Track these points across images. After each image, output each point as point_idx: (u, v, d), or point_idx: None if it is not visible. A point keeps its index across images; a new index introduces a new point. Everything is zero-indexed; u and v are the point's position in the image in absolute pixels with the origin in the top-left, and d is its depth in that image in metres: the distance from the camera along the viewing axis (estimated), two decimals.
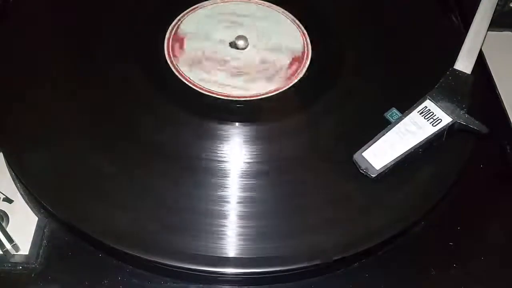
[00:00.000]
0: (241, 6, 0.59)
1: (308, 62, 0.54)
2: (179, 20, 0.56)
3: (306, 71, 0.53)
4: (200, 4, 0.58)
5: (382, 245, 0.44)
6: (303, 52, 0.55)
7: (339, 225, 0.43)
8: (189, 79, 0.51)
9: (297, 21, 0.58)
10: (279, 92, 0.51)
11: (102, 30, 0.55)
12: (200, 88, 0.51)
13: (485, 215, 0.48)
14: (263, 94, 0.51)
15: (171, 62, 0.52)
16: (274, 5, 0.59)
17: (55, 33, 0.55)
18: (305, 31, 0.57)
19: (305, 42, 0.56)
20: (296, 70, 0.53)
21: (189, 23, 0.56)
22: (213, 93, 0.51)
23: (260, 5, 0.59)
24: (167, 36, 0.55)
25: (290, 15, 0.58)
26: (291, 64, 0.54)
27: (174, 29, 0.55)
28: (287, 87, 0.52)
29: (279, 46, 0.55)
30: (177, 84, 0.51)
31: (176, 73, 0.52)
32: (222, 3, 0.58)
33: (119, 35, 0.55)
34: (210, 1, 0.58)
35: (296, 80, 0.52)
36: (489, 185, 0.50)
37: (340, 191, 0.45)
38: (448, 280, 0.44)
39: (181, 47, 0.53)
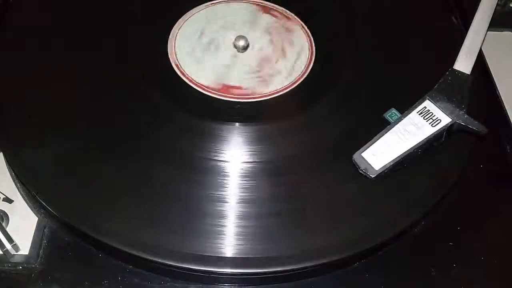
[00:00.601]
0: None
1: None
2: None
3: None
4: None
5: (382, 245, 0.44)
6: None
7: (339, 225, 0.43)
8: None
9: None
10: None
11: (102, 30, 0.55)
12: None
13: (485, 215, 0.48)
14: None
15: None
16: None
17: (55, 33, 0.55)
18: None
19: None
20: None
21: (193, 69, 0.53)
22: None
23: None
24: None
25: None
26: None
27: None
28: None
29: (264, 24, 0.56)
30: (177, 84, 0.51)
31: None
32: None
33: (120, 35, 0.55)
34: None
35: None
36: (489, 185, 0.50)
37: (340, 191, 0.45)
38: (448, 280, 0.44)
39: (236, 87, 0.52)
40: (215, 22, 0.57)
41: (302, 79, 0.53)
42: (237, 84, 0.52)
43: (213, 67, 0.53)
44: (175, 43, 0.55)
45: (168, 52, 0.54)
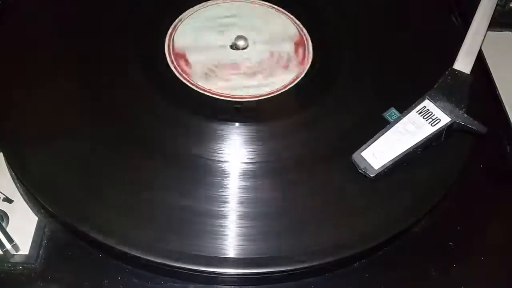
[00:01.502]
0: (223, 7, 0.58)
1: (310, 44, 0.55)
2: (170, 35, 0.55)
3: (313, 52, 0.55)
4: (184, 14, 0.57)
5: (382, 245, 0.44)
6: (300, 36, 0.56)
7: (339, 225, 0.43)
8: (205, 89, 0.51)
9: (289, 13, 0.58)
10: (279, 92, 0.52)
11: (102, 30, 0.55)
12: (223, 96, 0.51)
13: (485, 215, 0.48)
14: (286, 86, 0.52)
15: (185, 78, 0.52)
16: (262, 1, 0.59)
17: (55, 33, 0.55)
18: (296, 20, 0.58)
19: (298, 27, 0.57)
20: (304, 54, 0.54)
21: (181, 36, 0.55)
22: (213, 93, 0.51)
23: (242, 2, 0.59)
24: (166, 50, 0.54)
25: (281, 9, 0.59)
26: (296, 49, 0.55)
27: (171, 46, 0.54)
28: (305, 71, 0.53)
29: (276, 36, 0.56)
30: (177, 85, 0.51)
31: (191, 86, 0.52)
32: (204, 8, 0.58)
33: (120, 35, 0.55)
34: (193, 9, 0.58)
35: (309, 63, 0.54)
36: (489, 185, 0.50)
37: (340, 191, 0.45)
38: (448, 280, 0.44)
39: (186, 63, 0.53)
40: (206, 29, 0.57)
41: (307, 68, 0.53)
42: (190, 61, 0.52)
43: (197, 38, 0.54)
44: (175, 44, 0.55)
45: (167, 53, 0.54)
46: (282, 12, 0.58)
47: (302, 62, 0.54)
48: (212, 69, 0.53)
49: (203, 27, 0.56)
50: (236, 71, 0.53)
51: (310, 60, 0.54)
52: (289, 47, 0.55)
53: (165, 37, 0.55)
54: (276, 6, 0.59)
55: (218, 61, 0.54)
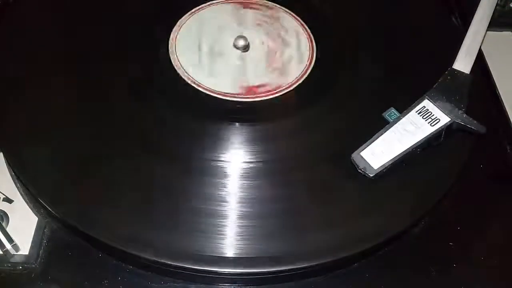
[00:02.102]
0: (185, 30, 0.57)
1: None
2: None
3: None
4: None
5: (382, 245, 0.44)
6: (267, 7, 0.57)
7: (339, 225, 0.43)
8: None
9: (276, 5, 0.58)
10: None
11: (103, 30, 0.55)
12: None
13: (485, 215, 0.48)
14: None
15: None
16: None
17: (55, 33, 0.55)
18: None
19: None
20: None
21: (210, 82, 0.52)
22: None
23: (226, 3, 0.59)
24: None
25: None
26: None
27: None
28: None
29: (250, 18, 0.57)
30: (177, 85, 0.51)
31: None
32: (178, 38, 0.56)
33: (120, 35, 0.55)
34: (171, 40, 0.56)
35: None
36: (489, 185, 0.50)
37: (340, 191, 0.45)
38: (448, 280, 0.44)
39: (260, 86, 0.51)
40: (204, 30, 0.56)
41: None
42: (258, 83, 0.51)
43: (227, 74, 0.52)
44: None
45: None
46: (289, 13, 0.58)
47: (270, 8, 0.55)
48: (273, 68, 0.53)
49: (210, 69, 0.53)
50: (279, 52, 0.54)
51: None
52: (250, 12, 0.56)
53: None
54: (283, 7, 0.59)
55: (263, 61, 0.53)
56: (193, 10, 0.58)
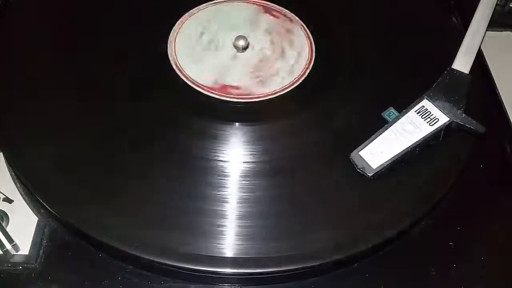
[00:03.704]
0: (193, 24, 0.57)
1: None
2: (174, 36, 0.55)
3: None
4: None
5: (382, 245, 0.44)
6: (286, 17, 0.57)
7: (339, 225, 0.43)
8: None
9: (297, 18, 0.58)
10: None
11: (103, 30, 0.55)
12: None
13: (485, 215, 0.48)
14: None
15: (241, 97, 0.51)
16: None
17: (55, 33, 0.55)
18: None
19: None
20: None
21: (194, 72, 0.53)
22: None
23: (250, 4, 0.59)
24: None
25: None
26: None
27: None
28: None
29: (265, 24, 0.56)
30: (177, 85, 0.51)
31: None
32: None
33: (120, 35, 0.55)
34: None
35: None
36: (489, 185, 0.50)
37: (340, 191, 0.45)
38: (448, 280, 0.44)
39: (233, 87, 0.51)
40: (216, 22, 0.57)
41: (301, 80, 0.53)
42: (235, 84, 0.52)
43: (212, 67, 0.53)
44: (175, 44, 0.55)
45: (168, 52, 0.54)
46: (286, 13, 0.58)
47: (289, 19, 0.55)
48: (256, 75, 0.52)
49: (200, 56, 0.54)
50: (271, 62, 0.54)
51: (310, 60, 0.54)
52: (268, 18, 0.56)
53: (168, 37, 0.55)
54: (279, 7, 0.59)
55: (250, 67, 0.53)
56: (216, 1, 0.58)
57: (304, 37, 0.56)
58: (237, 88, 0.51)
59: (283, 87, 0.52)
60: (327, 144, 0.48)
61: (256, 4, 0.59)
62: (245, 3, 0.59)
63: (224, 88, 0.51)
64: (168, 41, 0.55)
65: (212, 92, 0.51)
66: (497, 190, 0.50)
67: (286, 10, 0.58)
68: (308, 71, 0.53)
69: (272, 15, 0.57)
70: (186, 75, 0.52)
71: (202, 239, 0.42)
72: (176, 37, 0.55)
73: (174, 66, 0.53)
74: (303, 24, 0.57)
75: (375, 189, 0.45)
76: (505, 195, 0.50)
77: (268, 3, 0.59)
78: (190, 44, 0.55)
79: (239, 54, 0.54)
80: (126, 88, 0.51)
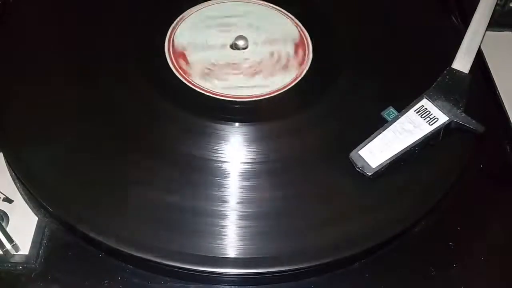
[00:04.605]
0: (225, 7, 0.58)
1: (310, 43, 0.55)
2: (171, 34, 0.55)
3: (313, 52, 0.55)
4: (185, 13, 0.57)
5: (382, 245, 0.44)
6: (301, 37, 0.56)
7: (339, 225, 0.43)
8: (204, 89, 0.51)
9: (288, 13, 0.58)
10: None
11: (103, 30, 0.55)
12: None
13: (485, 215, 0.48)
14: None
15: (184, 78, 0.52)
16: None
17: (55, 33, 0.55)
18: (296, 20, 0.58)
19: (298, 28, 0.57)
20: (304, 55, 0.54)
21: (181, 35, 0.55)
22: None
23: (244, 2, 0.59)
24: (166, 49, 0.54)
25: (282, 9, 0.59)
26: (296, 50, 0.55)
27: (171, 45, 0.54)
28: (305, 71, 0.53)
29: (277, 36, 0.56)
30: (177, 85, 0.51)
31: (191, 85, 0.51)
32: (206, 8, 0.58)
33: (120, 34, 0.55)
34: (194, 7, 0.57)
35: (308, 64, 0.54)
36: (489, 185, 0.50)
37: (340, 191, 0.45)
38: (448, 280, 0.44)
39: (186, 62, 0.52)
40: (248, 17, 0.57)
41: (300, 78, 0.52)
42: (189, 60, 0.52)
43: (196, 37, 0.54)
44: (174, 36, 0.55)
45: (167, 52, 0.54)
46: (283, 12, 0.58)
47: (301, 63, 0.54)
48: (210, 68, 0.53)
49: (204, 26, 0.56)
50: (236, 70, 0.53)
51: (309, 60, 0.54)
52: (289, 48, 0.55)
53: (166, 36, 0.55)
54: (277, 7, 0.59)
55: (217, 60, 0.54)
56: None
57: (290, 77, 0.53)
58: (186, 62, 0.52)
59: (282, 86, 0.52)
60: (327, 143, 0.48)
61: (299, 31, 0.57)
62: (292, 23, 0.57)
63: (178, 54, 0.52)
64: (167, 41, 0.55)
65: (212, 92, 0.51)
66: (497, 190, 0.50)
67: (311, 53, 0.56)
68: (306, 70, 0.53)
69: (296, 51, 0.55)
70: (199, 86, 0.52)
71: (202, 239, 0.42)
72: (175, 37, 0.55)
73: (173, 66, 0.53)
74: (298, 22, 0.57)
75: (374, 188, 0.45)
76: (505, 195, 0.50)
77: (308, 37, 0.56)
78: (210, 17, 0.56)
79: (234, 50, 0.55)
80: (125, 88, 0.51)
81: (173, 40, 0.54)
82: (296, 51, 0.55)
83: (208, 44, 0.55)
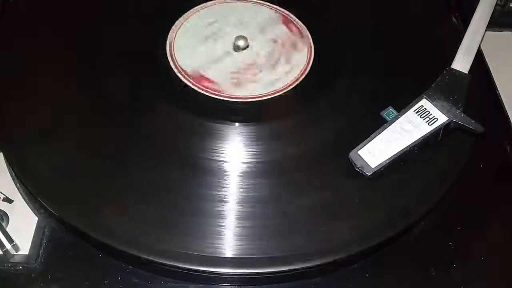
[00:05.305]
0: (202, 15, 0.57)
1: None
2: (172, 57, 0.54)
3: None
4: (169, 35, 0.55)
5: (382, 245, 0.44)
6: (281, 15, 0.57)
7: (338, 225, 0.43)
8: (247, 96, 0.51)
9: (310, 37, 0.57)
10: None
11: (103, 30, 0.55)
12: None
13: (485, 215, 0.48)
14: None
15: (219, 95, 0.51)
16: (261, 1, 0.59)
17: (55, 33, 0.55)
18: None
19: (274, 9, 0.57)
20: (298, 30, 0.56)
21: (183, 58, 0.53)
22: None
23: (274, 10, 0.59)
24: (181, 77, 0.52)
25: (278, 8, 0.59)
26: (287, 26, 0.56)
27: (181, 70, 0.53)
28: (310, 66, 0.53)
29: (263, 24, 0.56)
30: (177, 85, 0.51)
31: (229, 98, 0.51)
32: (186, 22, 0.57)
33: (121, 34, 0.55)
34: (175, 25, 0.56)
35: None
36: (489, 185, 0.50)
37: (339, 191, 0.45)
38: (448, 280, 0.44)
39: (209, 81, 0.51)
40: (229, 18, 0.57)
41: (301, 79, 0.52)
42: (211, 78, 0.52)
43: (201, 56, 0.53)
44: (174, 41, 0.55)
45: (167, 52, 0.54)
46: (254, 2, 0.58)
47: (301, 35, 0.54)
48: (235, 77, 0.52)
49: (198, 42, 0.55)
50: (258, 68, 0.53)
51: (309, 59, 0.54)
52: (282, 28, 0.55)
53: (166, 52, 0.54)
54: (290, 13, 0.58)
55: (235, 67, 0.53)
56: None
57: (305, 51, 0.55)
58: (211, 81, 0.51)
59: (283, 86, 0.52)
60: (326, 143, 0.48)
61: (278, 12, 0.58)
62: (268, 8, 0.58)
63: (199, 78, 0.51)
64: (167, 40, 0.55)
65: (212, 92, 0.51)
66: (497, 190, 0.50)
67: (305, 27, 0.57)
68: (307, 70, 0.53)
69: (288, 27, 0.56)
70: (176, 60, 0.52)
71: (202, 239, 0.42)
72: (178, 30, 0.55)
73: (173, 66, 0.53)
74: (309, 36, 0.56)
75: (374, 188, 0.45)
76: (505, 195, 0.50)
77: (290, 14, 0.57)
78: (194, 31, 0.55)
79: (234, 52, 0.54)
80: (125, 88, 0.51)
81: (180, 66, 0.52)
82: (288, 27, 0.56)
83: (215, 57, 0.54)
